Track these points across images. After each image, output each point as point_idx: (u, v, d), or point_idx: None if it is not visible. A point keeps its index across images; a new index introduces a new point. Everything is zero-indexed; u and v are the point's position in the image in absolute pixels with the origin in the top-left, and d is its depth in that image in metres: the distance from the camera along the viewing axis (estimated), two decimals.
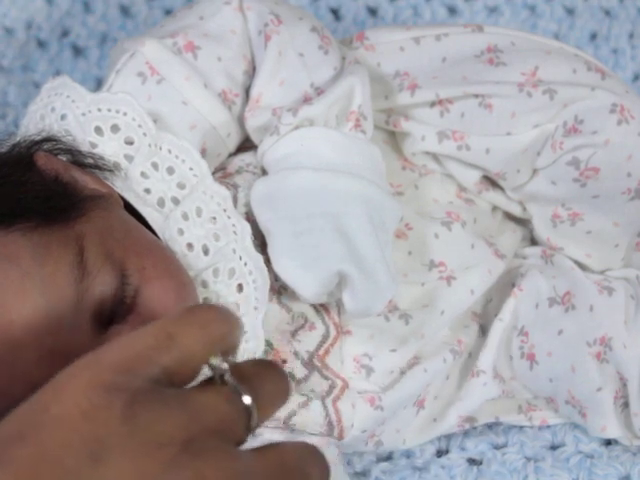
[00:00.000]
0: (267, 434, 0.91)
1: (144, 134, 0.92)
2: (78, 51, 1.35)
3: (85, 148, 0.91)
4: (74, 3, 1.35)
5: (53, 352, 0.78)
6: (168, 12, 1.34)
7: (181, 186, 0.92)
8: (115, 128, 0.92)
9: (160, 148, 0.92)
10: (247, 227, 0.90)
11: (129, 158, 0.92)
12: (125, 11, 1.36)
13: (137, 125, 0.92)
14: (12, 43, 1.34)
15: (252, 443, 0.90)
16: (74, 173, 0.87)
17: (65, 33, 1.35)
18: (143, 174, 0.92)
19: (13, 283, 0.77)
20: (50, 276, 0.78)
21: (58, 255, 0.79)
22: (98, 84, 1.29)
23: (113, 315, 0.81)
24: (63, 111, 0.92)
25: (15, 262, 0.78)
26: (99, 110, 0.92)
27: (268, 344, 0.92)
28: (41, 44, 1.35)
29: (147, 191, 0.91)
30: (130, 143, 0.92)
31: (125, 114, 0.92)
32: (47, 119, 0.93)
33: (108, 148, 0.92)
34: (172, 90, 0.95)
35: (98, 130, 0.92)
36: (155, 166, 0.92)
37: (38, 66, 1.33)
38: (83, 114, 0.92)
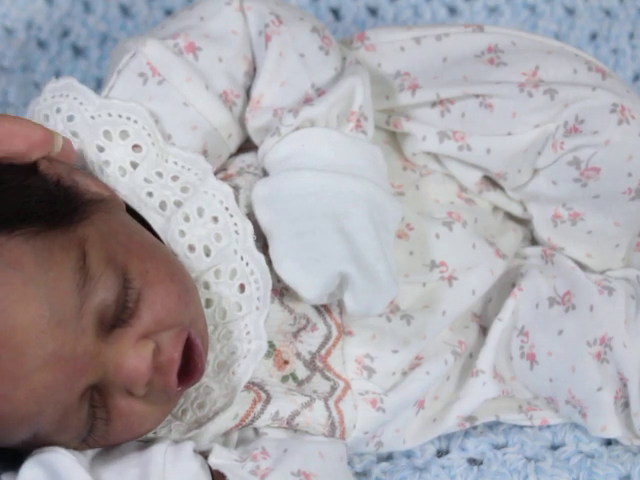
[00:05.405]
0: (271, 433, 0.92)
1: (152, 144, 0.92)
2: (78, 51, 1.35)
3: (91, 151, 0.91)
4: (74, 3, 1.35)
5: (56, 357, 0.78)
6: (168, 12, 1.34)
7: (184, 190, 0.92)
8: (124, 134, 0.92)
9: (166, 161, 0.92)
10: (249, 226, 0.90)
11: (134, 165, 0.92)
12: (125, 11, 1.36)
13: (147, 134, 0.92)
14: (12, 43, 1.34)
15: (257, 442, 0.91)
16: (76, 176, 0.87)
17: (65, 33, 1.35)
18: (146, 179, 0.92)
19: (16, 289, 0.77)
20: (53, 281, 0.78)
21: (61, 260, 0.79)
22: (98, 84, 1.29)
23: (116, 319, 0.81)
24: (70, 112, 0.92)
25: (18, 268, 0.78)
26: (109, 115, 0.92)
27: (270, 345, 0.92)
28: (41, 44, 1.35)
29: (149, 195, 0.91)
30: (137, 151, 0.92)
31: (136, 122, 0.92)
32: (52, 119, 0.93)
33: (115, 152, 0.92)
34: (173, 91, 0.95)
35: (107, 134, 0.92)
36: (160, 175, 0.92)
37: (38, 66, 1.33)
38: (92, 117, 0.92)
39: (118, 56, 0.97)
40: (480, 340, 1.04)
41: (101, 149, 0.92)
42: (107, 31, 1.35)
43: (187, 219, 0.91)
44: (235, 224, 0.91)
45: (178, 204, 0.91)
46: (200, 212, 0.91)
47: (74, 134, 0.92)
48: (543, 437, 1.04)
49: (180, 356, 0.82)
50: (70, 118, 0.92)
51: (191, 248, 0.91)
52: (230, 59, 0.98)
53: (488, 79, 1.01)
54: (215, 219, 0.91)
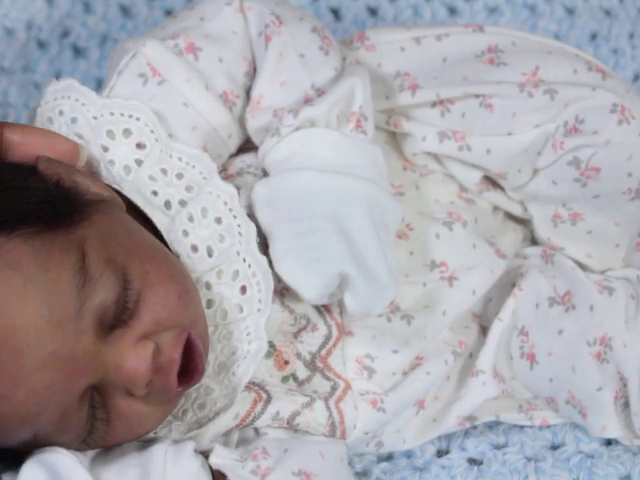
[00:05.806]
0: (272, 433, 0.92)
1: (156, 140, 0.92)
2: (78, 51, 1.35)
3: (97, 151, 0.92)
4: (74, 3, 1.35)
5: (56, 357, 0.78)
6: (168, 12, 1.35)
7: (189, 189, 0.92)
8: (127, 132, 0.92)
9: (170, 156, 0.92)
10: (253, 228, 0.90)
11: (139, 162, 0.92)
12: (125, 11, 1.36)
13: (150, 131, 0.92)
14: (12, 44, 1.34)
15: (258, 442, 0.91)
16: (76, 177, 0.87)
17: (65, 34, 1.35)
18: (151, 177, 0.92)
19: (15, 289, 0.77)
20: (52, 282, 0.78)
21: (60, 261, 0.79)
22: (98, 84, 1.29)
23: (116, 319, 0.81)
24: (73, 114, 0.92)
25: (17, 268, 0.78)
26: (111, 114, 0.92)
27: (271, 345, 0.92)
28: (41, 45, 1.35)
29: (154, 193, 0.92)
30: (141, 148, 0.92)
31: (138, 119, 0.92)
32: (55, 122, 0.93)
33: (119, 151, 0.92)
34: (173, 91, 0.95)
35: (110, 133, 0.92)
36: (164, 172, 0.92)
37: (38, 67, 1.34)
38: (95, 117, 0.92)
39: (118, 57, 0.97)
40: (480, 340, 1.04)
41: (105, 149, 0.92)
42: (107, 31, 1.35)
43: (191, 219, 0.91)
44: (238, 225, 0.91)
45: (182, 203, 0.91)
46: (204, 212, 0.91)
47: (79, 136, 0.92)
48: (543, 437, 1.04)
49: (180, 357, 0.82)
50: (73, 120, 0.92)
51: (194, 248, 0.91)
52: (230, 59, 0.98)
53: (488, 79, 1.02)
54: (219, 220, 0.91)
